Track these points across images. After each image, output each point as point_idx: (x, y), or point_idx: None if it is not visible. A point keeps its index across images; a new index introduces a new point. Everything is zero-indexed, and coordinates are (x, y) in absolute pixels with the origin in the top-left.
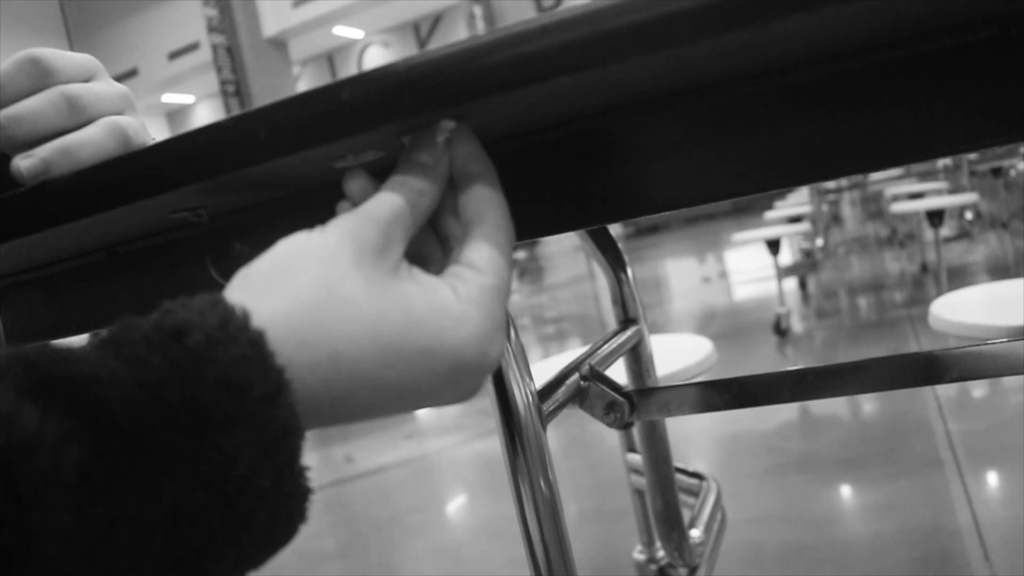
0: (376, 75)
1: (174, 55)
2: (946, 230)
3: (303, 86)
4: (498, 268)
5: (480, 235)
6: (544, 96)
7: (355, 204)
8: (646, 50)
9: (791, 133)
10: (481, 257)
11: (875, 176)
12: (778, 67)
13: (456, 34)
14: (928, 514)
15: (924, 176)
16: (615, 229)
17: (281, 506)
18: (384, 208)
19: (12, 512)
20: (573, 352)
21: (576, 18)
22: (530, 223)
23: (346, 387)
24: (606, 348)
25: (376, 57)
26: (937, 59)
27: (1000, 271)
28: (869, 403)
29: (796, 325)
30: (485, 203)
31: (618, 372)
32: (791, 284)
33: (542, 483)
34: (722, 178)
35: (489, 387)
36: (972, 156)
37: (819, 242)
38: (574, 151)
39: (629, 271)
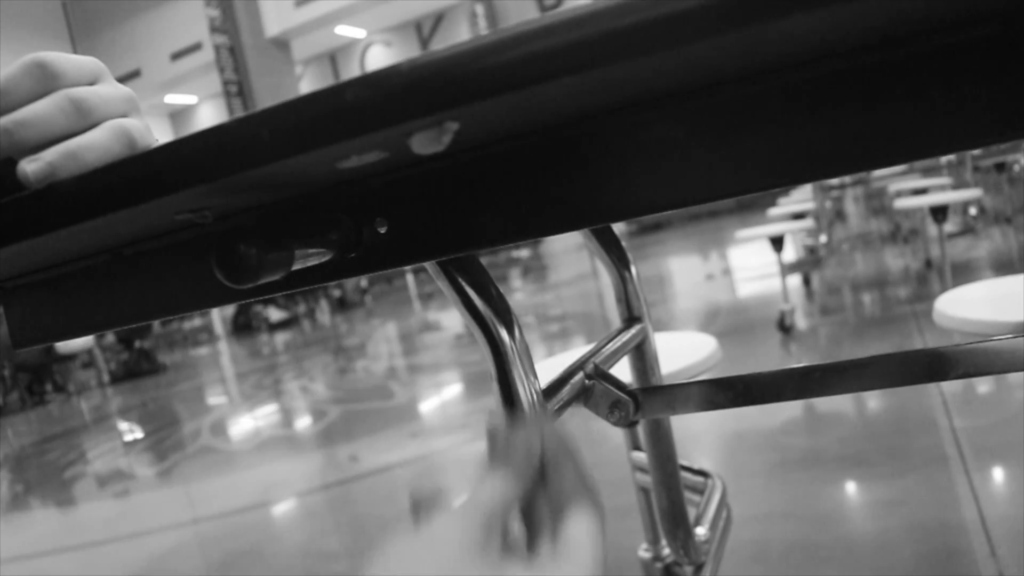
0: (380, 76)
1: (177, 56)
2: (950, 226)
3: (306, 86)
4: (591, 552)
5: (572, 521)
6: (548, 96)
7: (423, 513)
8: (652, 49)
9: (795, 131)
10: (576, 542)
11: (878, 172)
12: (780, 65)
13: (458, 33)
14: (934, 510)
15: (927, 172)
16: (618, 227)
17: None
18: (484, 503)
19: None
20: (577, 351)
21: (580, 18)
22: (535, 222)
23: None
24: (610, 346)
25: (378, 56)
26: (939, 56)
27: (1004, 266)
28: (874, 400)
29: (800, 322)
30: (574, 488)
31: (622, 370)
32: (795, 281)
33: None
34: (726, 176)
35: (494, 386)
36: (975, 151)
37: (823, 239)
38: (578, 150)
39: (633, 269)
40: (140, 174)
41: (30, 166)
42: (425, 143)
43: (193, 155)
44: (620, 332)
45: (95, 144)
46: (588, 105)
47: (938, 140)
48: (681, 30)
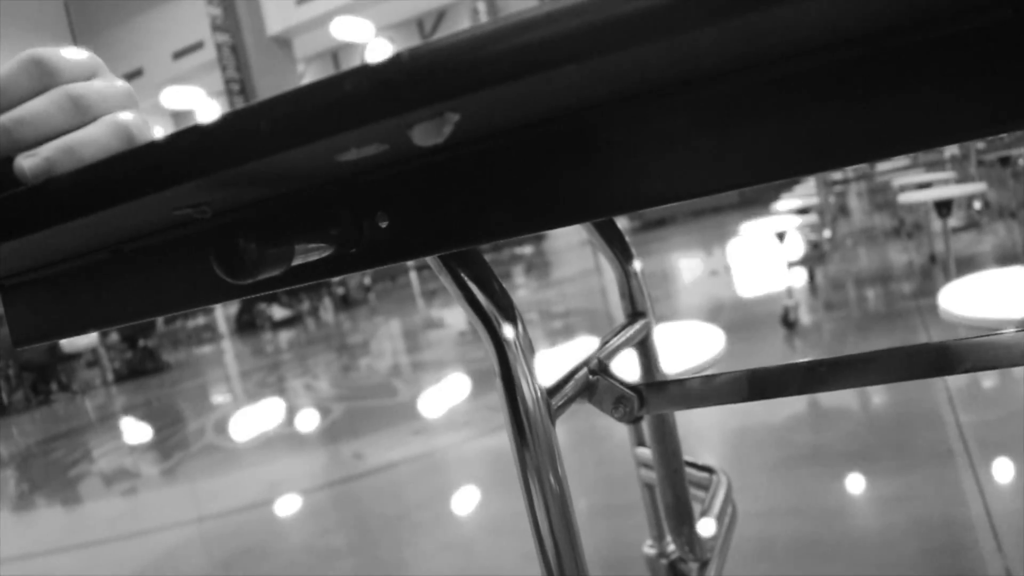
0: (379, 66)
1: (179, 54)
2: (954, 220)
3: None
4: None
5: None
6: (550, 86)
7: None
8: (654, 36)
9: (799, 121)
10: None
11: (882, 167)
12: (785, 54)
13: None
14: (939, 506)
15: (931, 166)
16: (622, 223)
17: None
18: None
19: None
20: (581, 347)
21: (583, 4)
22: (538, 215)
23: None
24: (614, 342)
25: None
26: (947, 43)
27: (1009, 261)
28: (879, 395)
29: (804, 317)
30: None
31: (626, 366)
32: (799, 276)
33: (551, 478)
34: (729, 168)
35: (497, 383)
36: (980, 145)
37: (826, 234)
38: (579, 142)
39: (636, 264)
40: (136, 168)
41: (26, 162)
42: (426, 135)
43: (190, 148)
44: (624, 327)
45: (92, 139)
46: (591, 96)
47: (945, 129)
48: (687, 17)
